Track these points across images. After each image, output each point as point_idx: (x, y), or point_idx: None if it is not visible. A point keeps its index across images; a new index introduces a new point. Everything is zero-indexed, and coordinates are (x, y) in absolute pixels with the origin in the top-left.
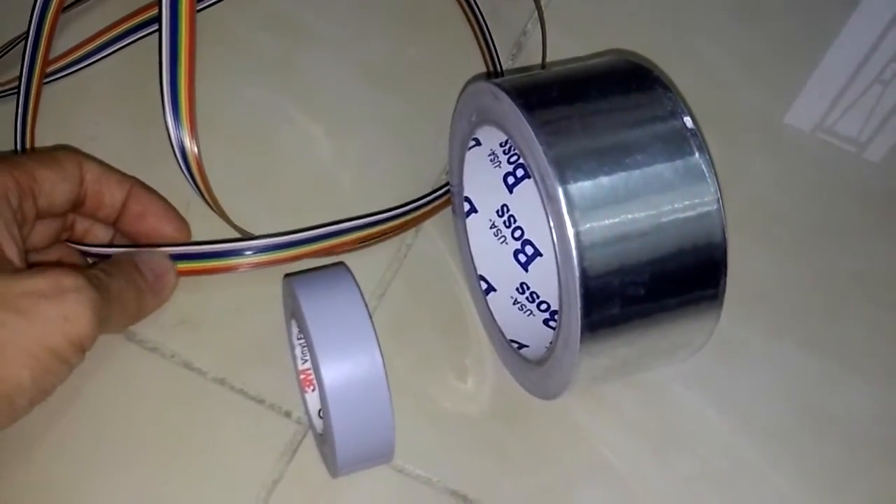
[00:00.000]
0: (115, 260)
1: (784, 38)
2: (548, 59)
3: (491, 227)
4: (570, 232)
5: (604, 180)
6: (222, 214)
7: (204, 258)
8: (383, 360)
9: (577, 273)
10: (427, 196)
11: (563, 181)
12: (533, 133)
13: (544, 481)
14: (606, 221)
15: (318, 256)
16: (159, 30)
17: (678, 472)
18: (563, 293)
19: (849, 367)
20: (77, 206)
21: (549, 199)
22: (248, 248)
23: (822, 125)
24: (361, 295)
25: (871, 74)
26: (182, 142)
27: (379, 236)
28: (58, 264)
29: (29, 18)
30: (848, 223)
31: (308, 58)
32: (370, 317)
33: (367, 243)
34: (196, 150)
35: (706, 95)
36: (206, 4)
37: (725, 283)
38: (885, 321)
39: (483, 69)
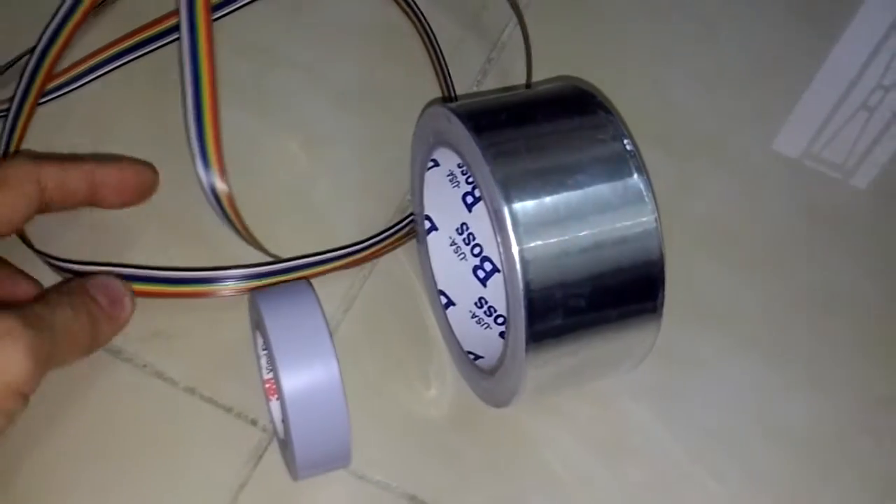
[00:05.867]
0: (65, 288)
1: (770, 64)
2: (518, 76)
3: (451, 245)
4: (515, 248)
5: (547, 200)
6: (257, 245)
7: (184, 283)
8: (340, 369)
9: (520, 286)
10: (395, 226)
11: (508, 200)
12: (481, 154)
13: (499, 488)
14: (549, 239)
15: None
16: (182, 80)
17: (626, 481)
18: (511, 305)
19: (799, 379)
20: (42, 212)
21: (495, 217)
22: (228, 278)
23: (808, 152)
24: (321, 308)
25: (856, 101)
26: (213, 184)
27: (348, 266)
28: None
29: (41, 34)
30: (802, 240)
31: (279, 82)
32: (329, 329)
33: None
34: (227, 189)
35: (688, 120)
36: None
37: (664, 297)
38: (834, 333)
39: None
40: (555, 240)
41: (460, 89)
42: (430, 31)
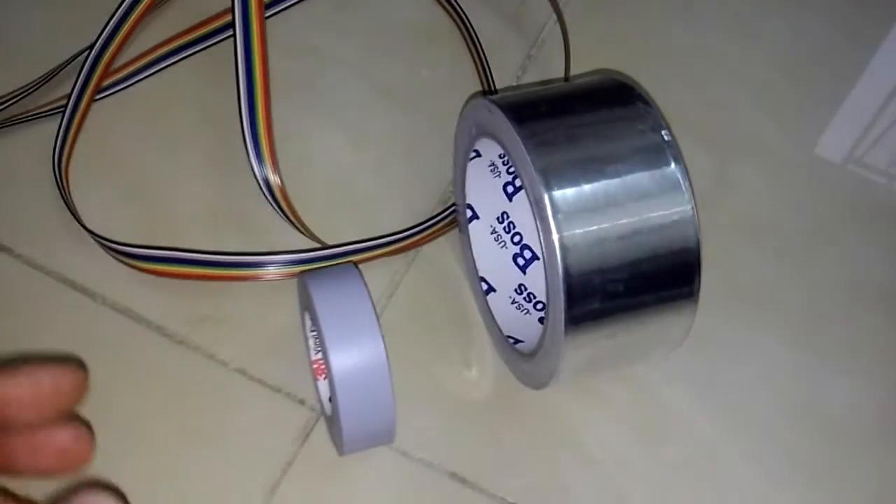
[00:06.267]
0: None
1: (812, 72)
2: (557, 73)
3: (492, 233)
4: (555, 234)
5: (586, 188)
6: (308, 233)
7: (232, 267)
8: (386, 350)
9: (560, 272)
10: (437, 216)
11: (549, 188)
12: (522, 144)
13: (538, 467)
14: (587, 226)
15: None
16: (236, 77)
17: (662, 463)
18: (550, 290)
19: (831, 365)
20: None
21: (536, 205)
22: (275, 262)
23: (851, 156)
24: (368, 291)
25: None
26: (267, 177)
27: (392, 254)
28: None
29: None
30: (839, 234)
31: (326, 79)
32: (375, 310)
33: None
34: (280, 182)
35: (730, 118)
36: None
37: (700, 283)
38: (867, 322)
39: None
40: (594, 227)
41: (501, 85)
42: (471, 29)
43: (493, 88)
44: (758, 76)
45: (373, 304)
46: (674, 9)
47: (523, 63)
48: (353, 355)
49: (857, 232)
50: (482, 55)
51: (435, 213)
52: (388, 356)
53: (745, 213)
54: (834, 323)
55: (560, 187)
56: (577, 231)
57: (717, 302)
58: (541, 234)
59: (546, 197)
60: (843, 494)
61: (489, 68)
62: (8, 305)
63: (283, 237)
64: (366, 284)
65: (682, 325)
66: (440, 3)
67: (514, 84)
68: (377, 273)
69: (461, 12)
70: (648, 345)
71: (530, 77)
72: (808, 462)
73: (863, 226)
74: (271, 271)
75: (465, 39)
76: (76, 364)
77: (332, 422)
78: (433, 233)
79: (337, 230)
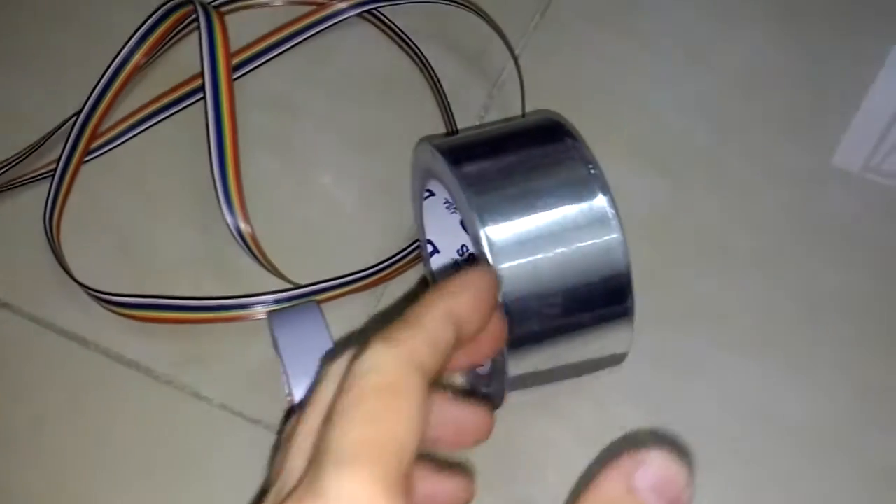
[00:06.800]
0: None
1: (764, 93)
2: (518, 111)
3: (454, 266)
4: (492, 266)
5: (519, 222)
6: (278, 274)
7: (213, 310)
8: None
9: (498, 299)
10: (401, 253)
11: (484, 224)
12: (458, 184)
13: (504, 487)
14: (522, 257)
15: None
16: (207, 135)
17: None
18: None
19: (789, 375)
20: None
21: (474, 241)
22: (254, 304)
23: (804, 174)
24: (325, 323)
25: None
26: (238, 226)
27: (361, 290)
28: None
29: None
30: (792, 248)
31: (297, 129)
32: (332, 342)
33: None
34: (250, 229)
35: (681, 142)
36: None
37: (633, 302)
38: (823, 332)
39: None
40: (528, 258)
41: (465, 125)
42: (434, 75)
43: (454, 130)
44: (711, 101)
45: (330, 335)
46: (629, 41)
47: (485, 103)
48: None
49: (810, 246)
50: (445, 100)
51: (399, 249)
52: None
53: (701, 233)
54: (790, 334)
55: (495, 222)
56: (513, 262)
57: (675, 319)
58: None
59: (482, 233)
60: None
61: (450, 111)
62: (8, 358)
63: (259, 280)
64: (324, 317)
65: (622, 340)
66: (405, 52)
67: (478, 123)
68: (348, 309)
69: (423, 59)
70: (593, 360)
71: (493, 116)
72: (769, 473)
73: (815, 239)
74: (247, 312)
75: (429, 85)
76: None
77: None
78: (399, 268)
79: (310, 271)
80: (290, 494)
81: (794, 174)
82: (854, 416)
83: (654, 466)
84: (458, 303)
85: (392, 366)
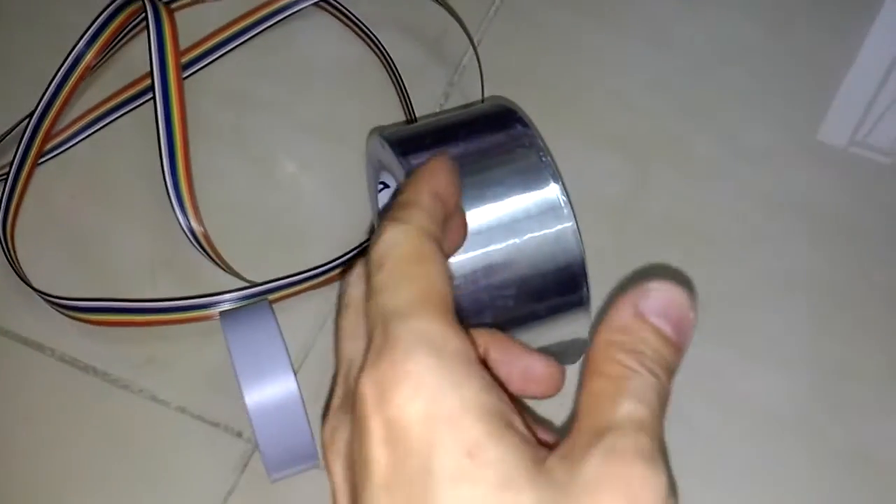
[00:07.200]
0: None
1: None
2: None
3: None
4: None
5: (469, 213)
6: (234, 273)
7: (169, 311)
8: (297, 378)
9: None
10: (360, 246)
11: None
12: (406, 176)
13: None
14: (473, 249)
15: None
16: (157, 133)
17: None
18: None
19: (757, 358)
20: None
21: None
22: (215, 303)
23: (770, 153)
24: (278, 325)
25: None
26: (191, 226)
27: (319, 286)
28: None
29: (38, 100)
30: (759, 229)
31: (254, 121)
32: (283, 342)
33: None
34: (203, 229)
35: (645, 122)
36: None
37: (588, 291)
38: (790, 314)
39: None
40: (479, 250)
41: (425, 111)
42: (390, 61)
43: (413, 118)
44: (677, 82)
45: (281, 334)
46: (590, 24)
47: (445, 90)
48: (263, 388)
49: (778, 227)
50: (402, 87)
51: (359, 242)
52: (298, 384)
53: (666, 216)
54: (757, 316)
55: None
56: (464, 255)
57: None
58: None
59: None
60: (775, 486)
61: (409, 99)
62: None
63: (219, 280)
64: (276, 319)
65: (579, 331)
66: (361, 39)
67: (438, 111)
68: (308, 306)
69: (381, 47)
70: (552, 352)
71: (453, 102)
72: (732, 457)
73: (784, 221)
74: (204, 313)
75: (386, 71)
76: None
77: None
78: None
79: (268, 267)
80: (365, 360)
81: (766, 152)
82: (818, 398)
83: (658, 292)
84: (438, 180)
85: (410, 238)
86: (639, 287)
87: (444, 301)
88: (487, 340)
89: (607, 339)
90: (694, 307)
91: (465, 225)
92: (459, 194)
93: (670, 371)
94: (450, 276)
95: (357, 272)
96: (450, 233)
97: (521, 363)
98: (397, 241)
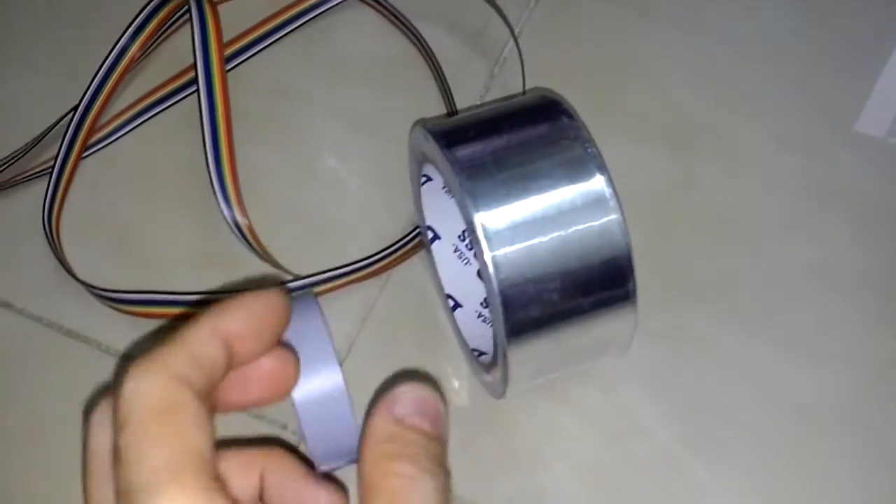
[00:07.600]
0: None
1: (774, 64)
2: (519, 89)
3: (455, 251)
4: (487, 254)
5: (513, 206)
6: (278, 266)
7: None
8: (343, 374)
9: (495, 285)
10: (403, 239)
11: (477, 209)
12: (451, 168)
13: (515, 473)
14: (517, 241)
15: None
16: (201, 125)
17: (636, 463)
18: (491, 304)
19: (800, 353)
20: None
21: (468, 226)
22: None
23: (814, 145)
24: (323, 318)
25: None
26: (236, 218)
27: (362, 279)
28: None
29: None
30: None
31: (296, 116)
32: (330, 336)
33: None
34: (248, 221)
35: (689, 116)
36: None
37: (635, 284)
38: (834, 308)
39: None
40: (523, 242)
41: (465, 104)
42: (431, 55)
43: (454, 111)
44: (718, 72)
45: (328, 328)
46: (631, 15)
47: (486, 83)
48: (310, 381)
49: (821, 219)
50: (444, 80)
51: (402, 236)
52: (345, 381)
53: (709, 210)
54: (800, 311)
55: (488, 207)
56: (508, 247)
57: (682, 300)
58: (475, 253)
59: (476, 218)
60: (822, 483)
61: (450, 92)
62: (10, 358)
63: (260, 272)
64: (322, 312)
65: (625, 325)
66: (402, 32)
67: (478, 103)
68: (351, 299)
69: (422, 40)
70: (596, 346)
71: (493, 95)
72: (779, 452)
73: (827, 212)
74: None
75: (427, 65)
76: (277, 287)
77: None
78: (402, 255)
79: (311, 260)
80: None
81: (809, 142)
82: (864, 393)
83: (409, 394)
84: (228, 320)
85: (157, 387)
86: (389, 395)
87: (201, 463)
88: (265, 465)
89: (376, 451)
90: (442, 400)
91: (284, 378)
92: (272, 335)
93: (443, 465)
94: (211, 429)
95: (98, 416)
96: (258, 379)
97: (296, 493)
98: (141, 393)
